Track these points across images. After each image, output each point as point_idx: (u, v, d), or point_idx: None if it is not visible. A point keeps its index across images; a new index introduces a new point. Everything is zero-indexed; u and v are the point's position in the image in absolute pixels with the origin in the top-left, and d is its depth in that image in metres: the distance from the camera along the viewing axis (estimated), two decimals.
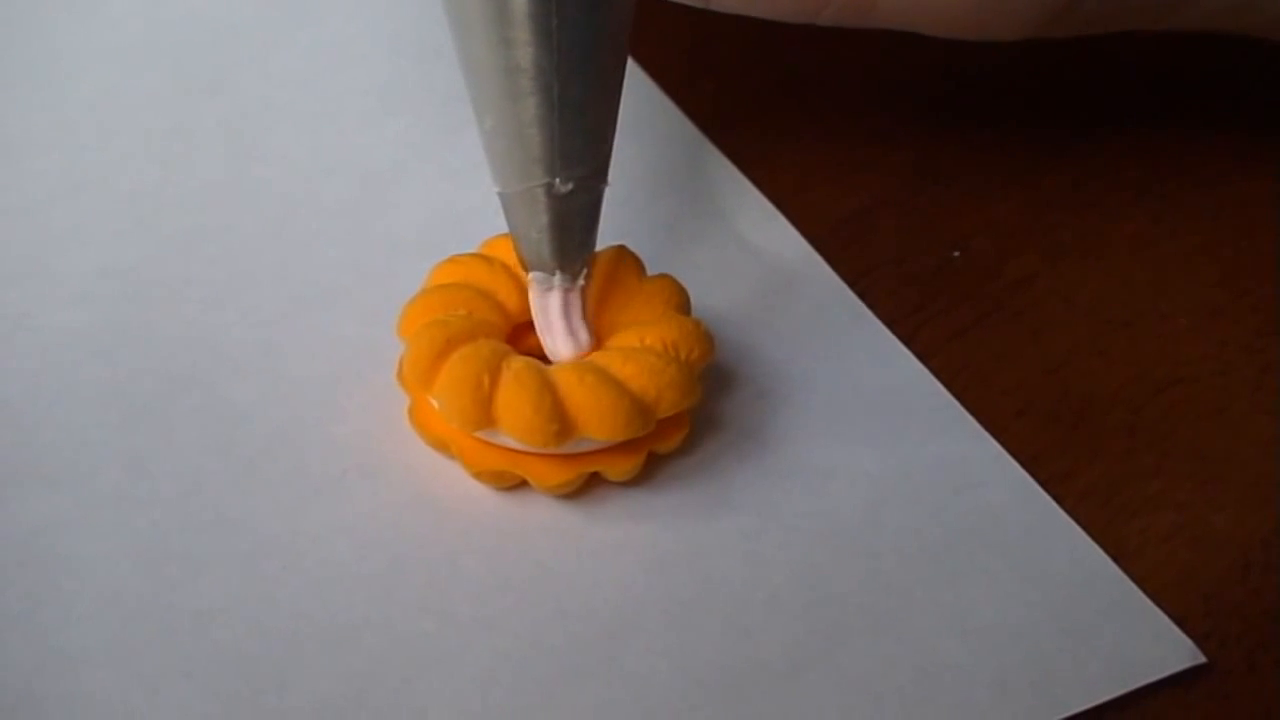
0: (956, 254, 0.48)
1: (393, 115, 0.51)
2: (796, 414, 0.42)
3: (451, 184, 0.48)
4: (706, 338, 0.40)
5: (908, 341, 0.44)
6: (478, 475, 0.38)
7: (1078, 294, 0.47)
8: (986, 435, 0.41)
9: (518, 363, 0.38)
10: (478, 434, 0.38)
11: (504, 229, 0.41)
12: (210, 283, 0.44)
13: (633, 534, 0.38)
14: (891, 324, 0.44)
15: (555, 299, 0.39)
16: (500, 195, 0.39)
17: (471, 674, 0.35)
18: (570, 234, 0.39)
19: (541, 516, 0.39)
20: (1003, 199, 0.50)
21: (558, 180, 0.38)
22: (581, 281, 0.39)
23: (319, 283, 0.44)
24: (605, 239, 0.42)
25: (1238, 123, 0.54)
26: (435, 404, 0.38)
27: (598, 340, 0.40)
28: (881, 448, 0.41)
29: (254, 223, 0.46)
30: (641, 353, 0.38)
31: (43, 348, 0.42)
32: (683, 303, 0.41)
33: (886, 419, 0.42)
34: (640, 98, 0.51)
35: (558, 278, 0.39)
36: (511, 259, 0.40)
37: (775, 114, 0.53)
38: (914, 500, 0.40)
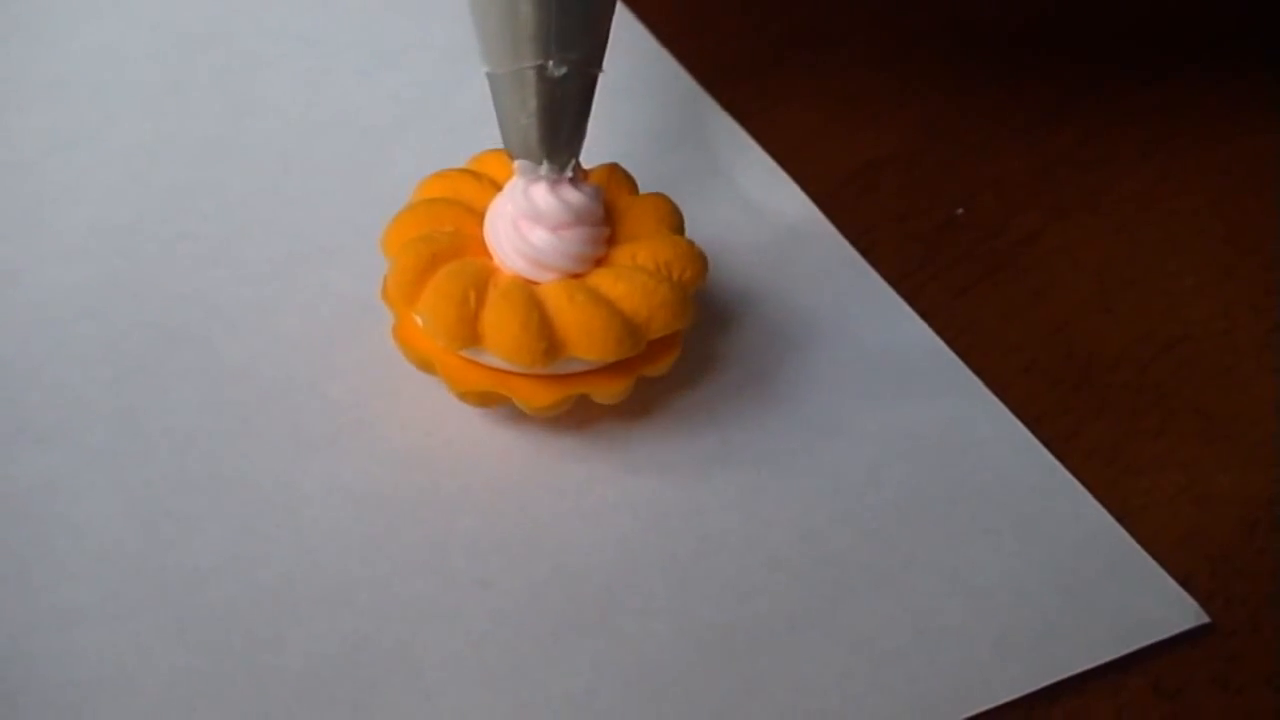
0: (960, 211, 0.47)
1: (391, 69, 0.50)
2: (798, 368, 0.41)
3: (450, 140, 0.47)
4: (700, 257, 0.39)
5: (911, 299, 0.44)
6: (462, 396, 0.37)
7: (1083, 252, 0.46)
8: (990, 394, 0.41)
9: (505, 279, 0.37)
10: (463, 353, 0.37)
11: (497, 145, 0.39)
12: (204, 239, 0.44)
13: (631, 490, 0.38)
14: (895, 282, 0.44)
15: (541, 189, 0.37)
16: (489, 76, 0.37)
17: (468, 633, 0.35)
18: (561, 121, 0.37)
19: (540, 472, 0.38)
20: (1007, 156, 0.49)
21: (551, 62, 0.36)
22: (569, 174, 0.38)
23: (314, 239, 0.44)
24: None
25: (1246, 78, 0.53)
26: (420, 321, 0.37)
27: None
28: (883, 405, 0.41)
29: (249, 178, 0.46)
30: (633, 271, 0.37)
31: (35, 304, 0.42)
32: (676, 222, 0.40)
33: (889, 377, 0.41)
34: (639, 51, 0.51)
35: (544, 167, 0.37)
36: (501, 175, 0.39)
37: (778, 69, 0.52)
38: (916, 459, 0.39)
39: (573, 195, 0.37)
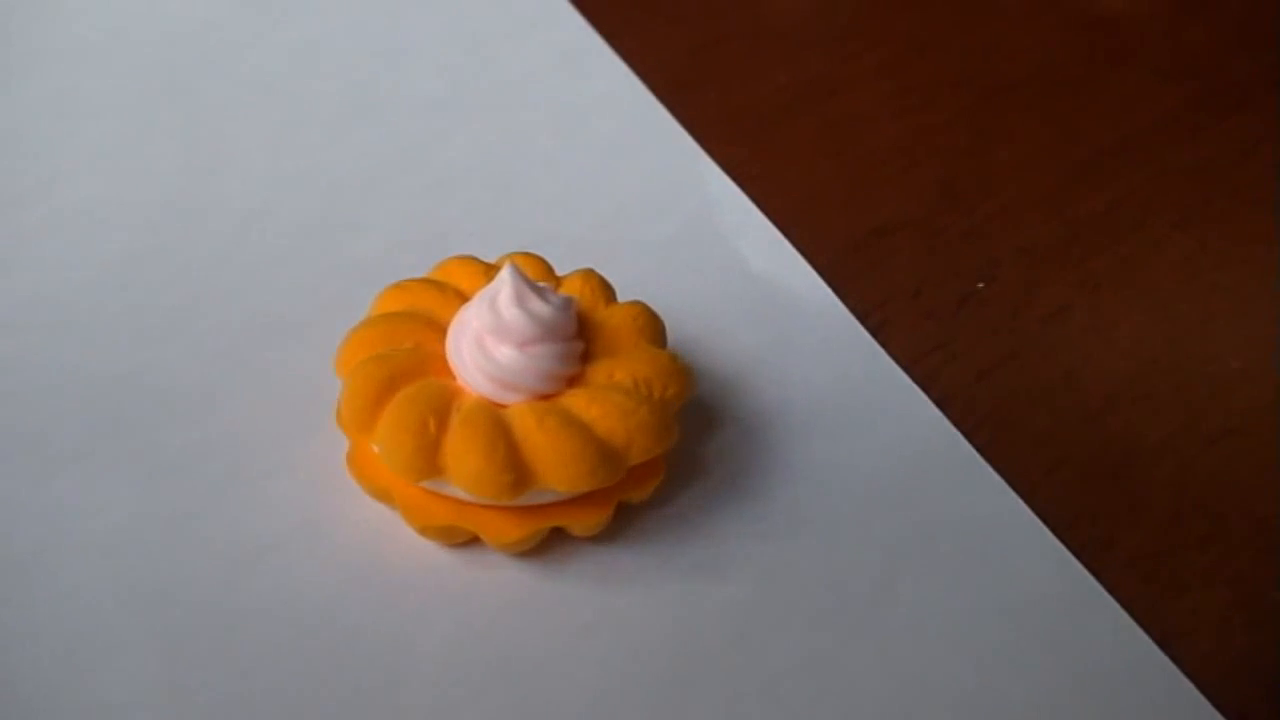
0: (981, 285, 0.43)
1: (366, 122, 0.46)
2: (797, 465, 0.37)
3: (424, 200, 0.44)
4: (683, 373, 0.35)
5: (925, 384, 0.40)
6: (423, 531, 0.34)
7: (1116, 330, 0.42)
8: (1014, 495, 0.37)
9: (469, 402, 0.33)
10: (424, 484, 0.34)
11: (473, 250, 0.36)
12: (151, 310, 0.40)
13: (608, 607, 0.34)
14: (907, 364, 0.40)
15: (506, 301, 0.33)
16: None
17: None
18: None
19: (504, 588, 0.34)
20: (1032, 222, 0.45)
21: None
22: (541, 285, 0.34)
23: (273, 311, 0.40)
24: (589, 261, 0.38)
25: None
26: (376, 450, 0.34)
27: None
28: (894, 508, 0.36)
29: (203, 243, 0.42)
30: (609, 391, 0.34)
31: None
32: (656, 333, 0.36)
33: (900, 474, 0.37)
34: (633, 106, 0.48)
35: (509, 274, 0.33)
36: (467, 284, 0.36)
37: (782, 125, 0.48)
38: (932, 570, 0.35)
39: (541, 308, 0.34)
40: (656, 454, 0.34)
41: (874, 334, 0.41)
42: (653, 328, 0.36)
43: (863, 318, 0.41)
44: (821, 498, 0.37)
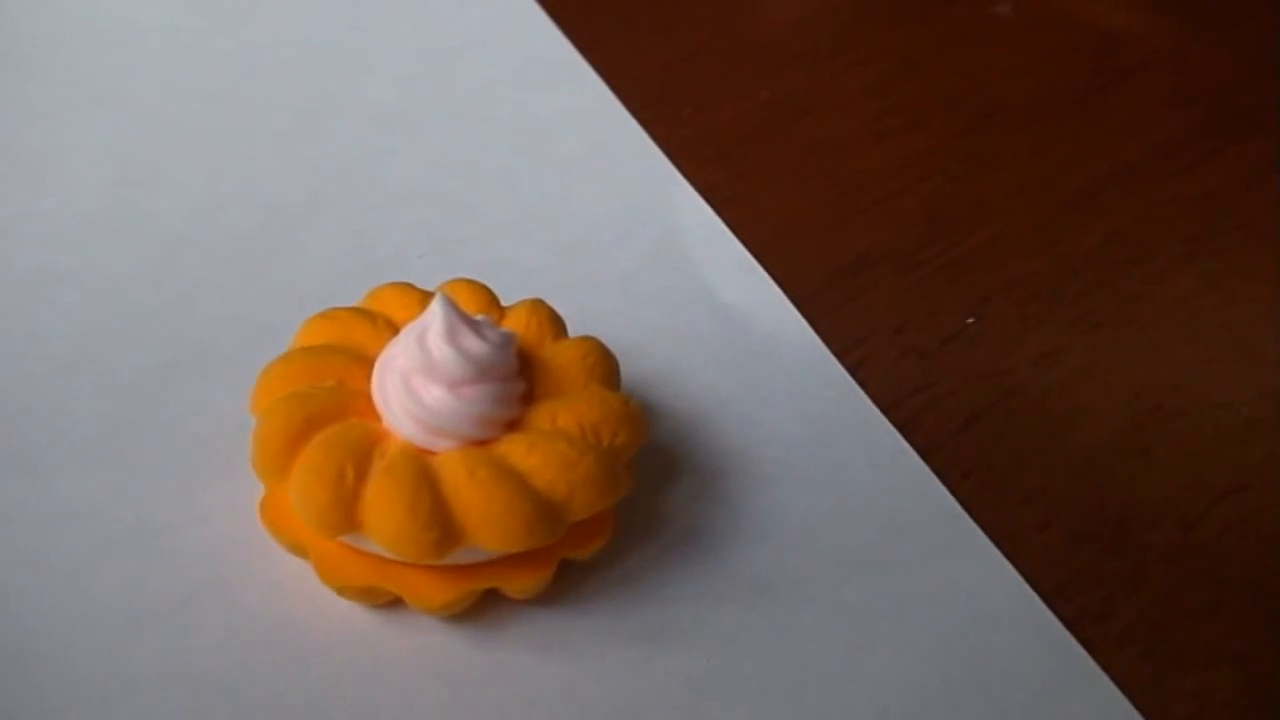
0: (970, 321, 0.40)
1: (310, 136, 0.43)
2: (758, 519, 0.34)
3: (368, 220, 0.41)
4: (636, 418, 0.32)
5: (906, 430, 0.36)
6: (341, 592, 0.31)
7: (1115, 375, 0.39)
8: (1000, 556, 0.34)
9: (393, 449, 0.30)
10: (342, 539, 0.30)
11: (420, 276, 0.33)
12: (60, 339, 0.37)
13: (548, 677, 0.31)
14: (887, 408, 0.37)
15: (435, 337, 0.30)
16: None
17: None
18: None
19: (431, 655, 0.31)
20: (1026, 256, 0.42)
21: None
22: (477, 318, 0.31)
23: (194, 343, 0.37)
24: (546, 288, 0.35)
25: None
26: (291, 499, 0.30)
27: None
28: (868, 570, 0.33)
29: (122, 264, 0.39)
30: (551, 438, 0.31)
31: None
32: (608, 372, 0.33)
33: (875, 531, 0.34)
34: (605, 121, 0.45)
35: (440, 307, 0.30)
36: (402, 315, 0.33)
37: (760, 147, 0.45)
38: (909, 641, 0.32)
39: (474, 344, 0.30)
40: (602, 509, 0.31)
41: (852, 373, 0.38)
42: (604, 366, 0.33)
43: (841, 355, 0.38)
44: (787, 557, 0.33)
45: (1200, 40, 0.50)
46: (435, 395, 0.30)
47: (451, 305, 0.31)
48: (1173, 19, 0.51)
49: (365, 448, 0.30)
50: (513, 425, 0.31)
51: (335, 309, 0.33)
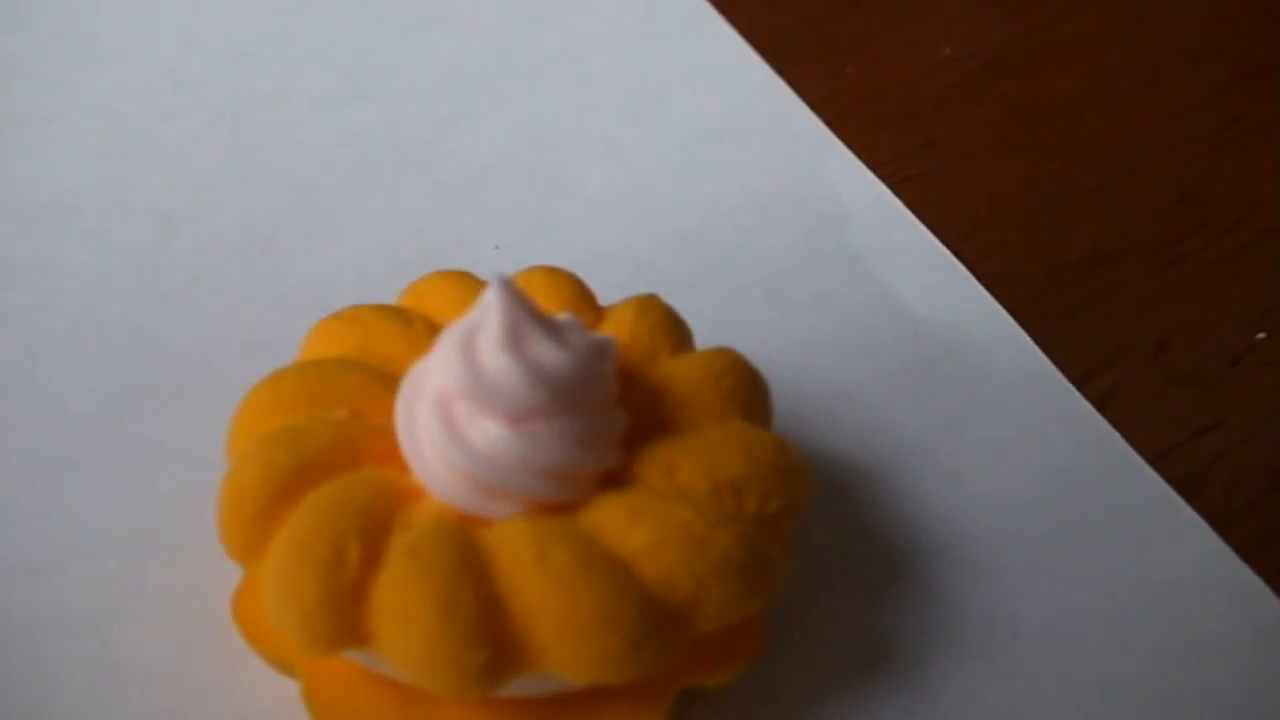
0: (1262, 335, 0.31)
1: (361, 102, 0.35)
2: (973, 626, 0.25)
3: (433, 203, 0.33)
4: (796, 473, 0.23)
5: (1185, 488, 0.27)
6: None
7: None
8: None
9: (423, 518, 0.22)
10: (345, 656, 0.22)
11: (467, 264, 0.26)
12: None
13: None
14: (1155, 456, 0.28)
15: (492, 344, 0.21)
16: None
17: None
18: None
19: None
20: None
21: None
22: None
23: (167, 362, 0.29)
24: (662, 290, 0.27)
25: None
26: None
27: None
28: (1141, 685, 0.24)
29: (95, 257, 0.31)
30: (667, 502, 0.22)
31: None
32: (753, 401, 0.24)
33: (1152, 629, 0.25)
34: (742, 82, 0.37)
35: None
36: (449, 315, 0.24)
37: (945, 113, 0.37)
38: None
39: (549, 355, 0.22)
40: (747, 612, 0.22)
41: (1099, 407, 0.29)
42: (747, 391, 0.24)
43: (1081, 383, 0.30)
44: (1021, 687, 0.24)
45: None
46: (488, 432, 0.21)
47: (515, 295, 0.21)
48: None
49: (381, 514, 0.21)
50: (608, 481, 0.22)
51: (356, 307, 0.25)
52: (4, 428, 0.27)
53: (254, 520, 0.21)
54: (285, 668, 0.22)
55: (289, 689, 0.22)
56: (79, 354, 0.29)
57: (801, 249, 0.32)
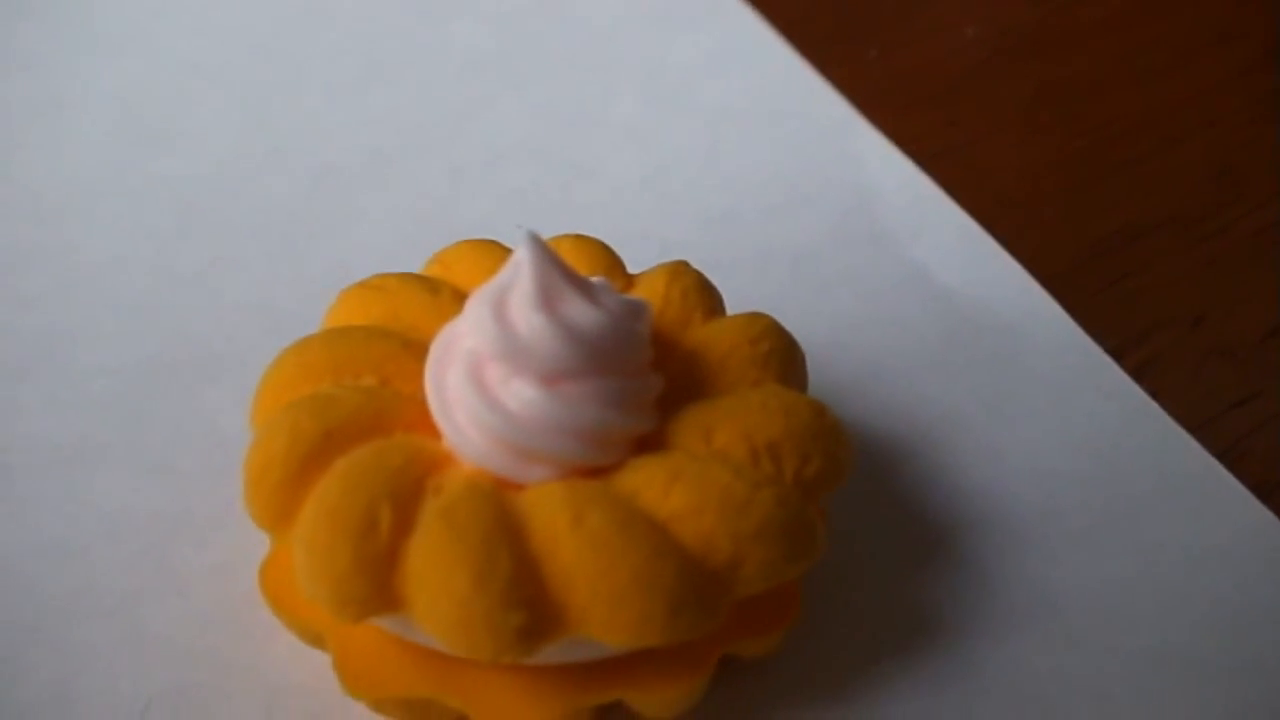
0: None
1: (382, 86, 0.35)
2: (1015, 596, 0.24)
3: (455, 184, 0.32)
4: (836, 435, 0.22)
5: (1227, 460, 0.26)
6: (376, 706, 0.21)
7: None
8: None
9: (455, 483, 0.21)
10: (375, 622, 0.21)
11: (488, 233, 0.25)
12: (14, 336, 0.28)
13: None
14: (1195, 428, 0.27)
15: (525, 304, 0.21)
16: None
17: None
18: None
19: None
20: None
21: None
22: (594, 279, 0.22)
23: (191, 338, 0.28)
24: (694, 263, 0.25)
25: None
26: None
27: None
28: (1207, 681, 0.22)
29: (115, 240, 0.30)
30: (705, 465, 0.21)
31: None
32: (789, 365, 0.23)
33: (1213, 621, 0.23)
34: (766, 65, 0.37)
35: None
36: (477, 282, 0.23)
37: (972, 92, 0.36)
38: None
39: (584, 314, 0.21)
40: (788, 579, 0.21)
41: (1137, 379, 0.28)
42: (783, 356, 0.23)
43: (1118, 355, 0.28)
44: (1065, 659, 0.23)
45: None
46: (521, 393, 0.21)
47: (547, 253, 0.21)
48: None
49: (412, 479, 0.20)
50: (644, 446, 0.22)
51: (382, 275, 0.24)
52: (29, 412, 0.27)
53: (282, 487, 0.21)
54: (314, 639, 0.22)
55: (319, 662, 0.22)
56: (101, 337, 0.28)
57: (831, 228, 0.31)
